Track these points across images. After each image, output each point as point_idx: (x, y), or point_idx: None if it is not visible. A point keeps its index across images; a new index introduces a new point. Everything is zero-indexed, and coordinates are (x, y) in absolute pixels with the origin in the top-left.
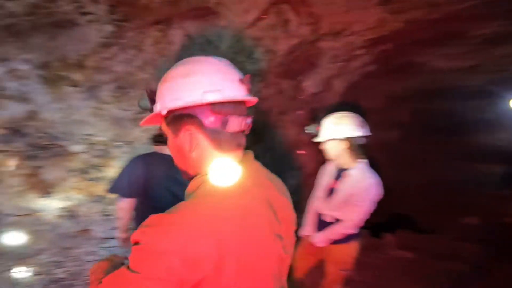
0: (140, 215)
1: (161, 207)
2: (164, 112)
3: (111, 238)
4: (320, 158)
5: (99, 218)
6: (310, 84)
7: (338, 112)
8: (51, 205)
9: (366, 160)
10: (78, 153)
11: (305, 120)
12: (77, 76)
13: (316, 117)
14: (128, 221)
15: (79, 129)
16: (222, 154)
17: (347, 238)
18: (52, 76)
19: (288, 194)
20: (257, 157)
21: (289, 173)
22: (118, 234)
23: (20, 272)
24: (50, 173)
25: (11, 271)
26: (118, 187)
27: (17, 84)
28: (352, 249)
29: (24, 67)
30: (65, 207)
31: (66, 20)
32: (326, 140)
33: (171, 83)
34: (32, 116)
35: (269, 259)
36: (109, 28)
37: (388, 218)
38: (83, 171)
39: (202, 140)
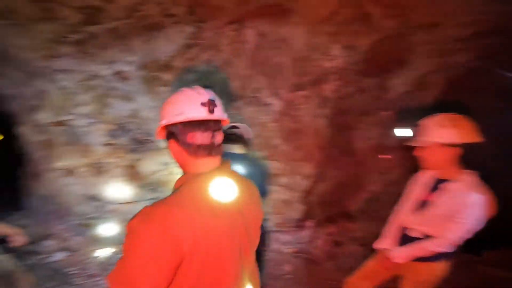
0: None
1: None
2: (158, 129)
3: None
4: (408, 165)
5: None
6: (399, 82)
7: (443, 113)
8: (144, 196)
9: (474, 172)
10: (166, 149)
11: (392, 122)
12: (167, 76)
13: (407, 119)
14: None
15: None
16: (196, 160)
17: (435, 257)
18: (149, 76)
19: (257, 194)
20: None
21: (369, 178)
22: None
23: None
24: (145, 166)
25: (106, 256)
26: None
27: (122, 85)
28: (438, 268)
29: (127, 68)
30: (156, 198)
31: (155, 23)
32: (426, 145)
33: (162, 107)
34: (134, 114)
35: (232, 246)
36: (189, 29)
37: (495, 233)
38: (170, 166)
39: (180, 150)
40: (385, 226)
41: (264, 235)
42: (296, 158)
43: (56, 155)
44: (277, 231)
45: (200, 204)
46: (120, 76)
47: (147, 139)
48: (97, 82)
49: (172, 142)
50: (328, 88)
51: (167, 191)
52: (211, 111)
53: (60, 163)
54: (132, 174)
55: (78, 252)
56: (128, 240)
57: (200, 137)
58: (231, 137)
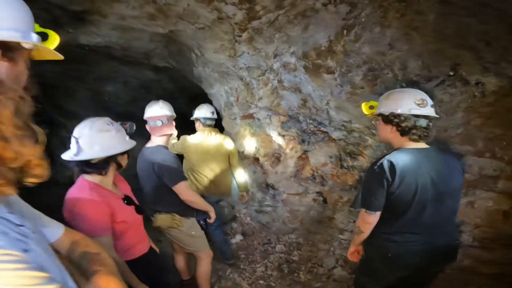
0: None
1: None
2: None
3: (349, 231)
4: None
5: (345, 208)
6: None
7: None
8: (310, 188)
9: None
10: (337, 139)
11: None
12: (330, 62)
13: None
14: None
15: (338, 116)
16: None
17: None
18: (311, 65)
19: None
20: None
21: None
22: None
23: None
24: (315, 157)
25: (271, 245)
26: (368, 203)
27: (290, 76)
28: None
29: (292, 60)
30: (320, 192)
31: (306, 9)
32: None
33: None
34: (303, 104)
35: None
36: (344, 8)
37: None
38: (339, 158)
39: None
40: None
41: (456, 248)
42: None
43: (245, 145)
44: (477, 247)
45: None
46: (287, 67)
47: (318, 130)
48: (271, 75)
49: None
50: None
51: (334, 185)
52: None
53: (250, 152)
54: (303, 165)
55: (249, 237)
56: None
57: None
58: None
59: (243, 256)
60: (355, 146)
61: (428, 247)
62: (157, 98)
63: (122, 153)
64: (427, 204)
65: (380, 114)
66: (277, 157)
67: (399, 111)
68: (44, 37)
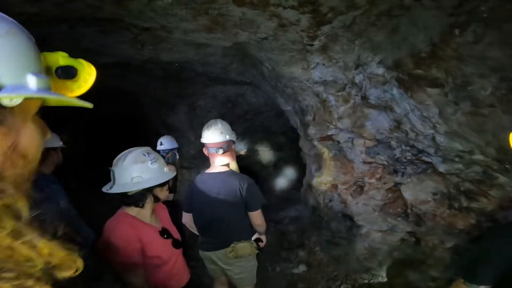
0: None
1: None
2: None
3: (443, 279)
4: None
5: (445, 255)
6: None
7: None
8: (400, 226)
9: None
10: (446, 173)
11: None
12: (436, 72)
13: None
14: None
15: (450, 143)
16: None
17: None
18: (407, 76)
19: None
20: None
21: None
22: None
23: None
24: (411, 192)
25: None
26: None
27: (378, 91)
28: None
29: (379, 70)
30: (413, 232)
31: (395, 6)
32: None
33: None
34: (397, 126)
35: None
36: (449, 2)
37: None
38: (449, 197)
39: None
40: None
41: None
42: None
43: (325, 169)
44: None
45: None
46: (374, 80)
47: (417, 159)
48: (352, 90)
49: None
50: None
51: (435, 227)
52: None
53: (327, 177)
54: (393, 199)
55: (314, 269)
56: None
57: None
58: None
59: None
60: (475, 183)
61: None
62: (243, 112)
63: (160, 185)
64: None
65: None
66: (360, 186)
67: None
68: (69, 72)
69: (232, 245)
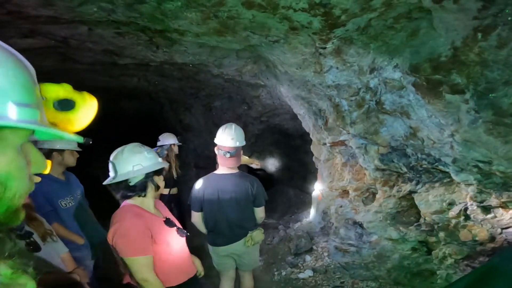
0: None
1: None
2: None
3: None
4: None
5: (457, 267)
6: None
7: None
8: (411, 235)
9: None
10: (464, 184)
11: None
12: (457, 77)
13: None
14: None
15: (469, 153)
16: None
17: None
18: (425, 82)
19: None
20: None
21: None
22: None
23: None
24: (425, 201)
25: None
26: None
27: (394, 97)
28: None
29: (395, 75)
30: (425, 242)
31: (414, 8)
32: None
33: None
34: (413, 134)
35: None
36: (473, 4)
37: None
38: (465, 208)
39: None
40: None
41: None
42: None
43: (336, 174)
44: None
45: None
46: (389, 85)
47: (433, 168)
48: (367, 95)
49: None
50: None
51: (448, 237)
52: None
53: (339, 183)
54: (405, 208)
55: (320, 276)
56: None
57: None
58: None
59: None
60: (492, 195)
61: None
62: (259, 114)
63: (158, 174)
64: None
65: None
66: (372, 193)
67: None
68: (66, 105)
69: (249, 235)
